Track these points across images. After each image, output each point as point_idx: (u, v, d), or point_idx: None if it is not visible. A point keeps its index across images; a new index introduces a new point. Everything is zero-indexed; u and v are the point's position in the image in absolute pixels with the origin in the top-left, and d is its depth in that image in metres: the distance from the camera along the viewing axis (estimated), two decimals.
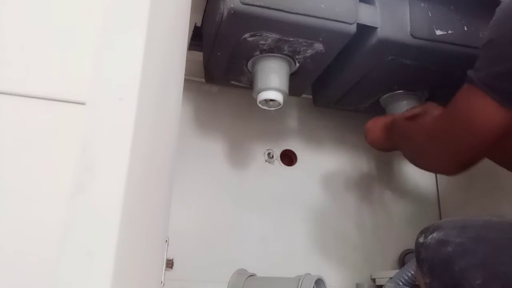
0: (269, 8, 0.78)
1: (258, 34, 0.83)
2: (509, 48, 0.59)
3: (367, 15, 0.85)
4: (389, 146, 0.92)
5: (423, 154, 0.77)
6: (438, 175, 1.28)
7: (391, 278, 0.93)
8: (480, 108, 0.63)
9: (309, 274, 0.93)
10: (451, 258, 0.65)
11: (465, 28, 0.89)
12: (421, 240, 0.71)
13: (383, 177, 1.25)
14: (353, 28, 0.83)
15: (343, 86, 1.05)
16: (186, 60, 0.78)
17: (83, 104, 0.35)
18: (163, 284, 0.63)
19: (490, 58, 0.62)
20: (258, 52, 0.90)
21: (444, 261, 0.65)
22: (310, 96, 1.18)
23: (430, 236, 0.69)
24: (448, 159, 0.70)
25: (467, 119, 0.65)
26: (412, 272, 0.89)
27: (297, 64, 0.94)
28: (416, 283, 0.86)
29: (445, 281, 0.66)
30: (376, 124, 0.96)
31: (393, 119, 0.92)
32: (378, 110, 1.09)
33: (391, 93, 1.05)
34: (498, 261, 0.62)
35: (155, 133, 0.44)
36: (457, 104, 0.68)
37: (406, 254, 1.15)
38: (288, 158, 1.21)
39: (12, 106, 0.34)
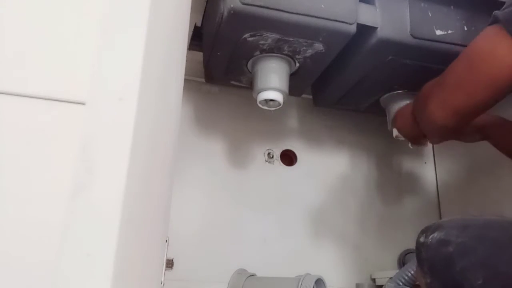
0: (269, 8, 0.78)
1: (258, 34, 0.83)
2: None
3: (367, 15, 0.85)
4: (416, 130, 0.88)
5: (429, 102, 0.73)
6: (438, 175, 1.27)
7: (391, 278, 0.93)
8: (503, 47, 0.59)
9: (309, 274, 0.93)
10: (452, 258, 0.64)
11: (465, 28, 0.89)
12: (421, 239, 0.71)
13: (383, 177, 1.25)
14: (353, 28, 0.83)
15: (343, 86, 1.05)
16: (186, 60, 0.78)
17: (83, 104, 0.35)
18: (163, 284, 0.63)
19: None
20: (258, 52, 0.90)
21: (445, 261, 0.65)
22: (310, 96, 1.18)
23: (431, 235, 0.69)
24: (452, 105, 0.68)
25: (486, 58, 0.62)
26: (412, 272, 0.89)
27: (297, 64, 0.94)
28: (417, 283, 0.86)
29: (446, 281, 0.65)
30: (406, 109, 0.93)
31: None
32: (378, 110, 1.09)
33: (391, 93, 1.05)
34: (499, 260, 0.62)
35: (155, 133, 0.44)
36: (477, 44, 0.64)
37: (406, 254, 1.15)
38: (288, 158, 1.21)
39: (12, 106, 0.34)
